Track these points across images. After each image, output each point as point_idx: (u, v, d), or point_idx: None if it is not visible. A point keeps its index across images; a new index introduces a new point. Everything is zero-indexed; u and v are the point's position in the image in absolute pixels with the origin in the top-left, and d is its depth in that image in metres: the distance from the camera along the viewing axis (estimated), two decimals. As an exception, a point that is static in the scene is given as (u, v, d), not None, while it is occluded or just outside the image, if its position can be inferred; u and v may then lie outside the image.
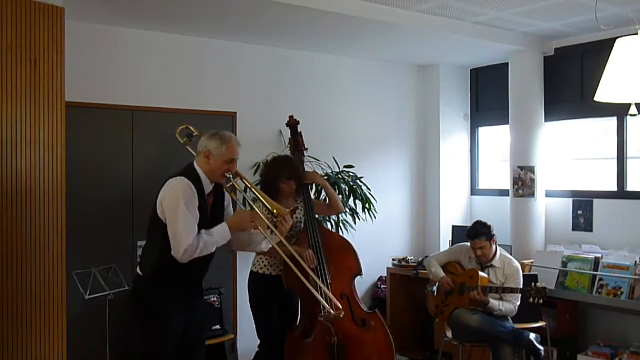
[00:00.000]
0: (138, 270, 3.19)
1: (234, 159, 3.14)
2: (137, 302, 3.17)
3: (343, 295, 4.13)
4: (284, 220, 3.15)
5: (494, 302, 4.35)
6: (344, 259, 4.23)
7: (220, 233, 3.06)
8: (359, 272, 4.29)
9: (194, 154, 3.22)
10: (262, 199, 3.21)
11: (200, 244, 2.97)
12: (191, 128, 3.53)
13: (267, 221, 3.14)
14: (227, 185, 3.21)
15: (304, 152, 4.46)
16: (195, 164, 3.14)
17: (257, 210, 3.14)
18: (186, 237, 2.93)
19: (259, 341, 4.24)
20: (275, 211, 3.15)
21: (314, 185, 4.42)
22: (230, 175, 3.15)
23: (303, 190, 4.25)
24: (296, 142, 4.43)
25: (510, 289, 4.36)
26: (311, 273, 3.55)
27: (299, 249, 4.04)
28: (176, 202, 2.96)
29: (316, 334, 4.03)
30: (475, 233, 4.48)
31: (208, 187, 3.14)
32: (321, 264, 4.09)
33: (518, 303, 4.43)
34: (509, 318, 4.45)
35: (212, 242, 3.03)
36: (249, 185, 3.28)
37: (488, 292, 4.35)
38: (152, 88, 4.88)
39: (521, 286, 4.42)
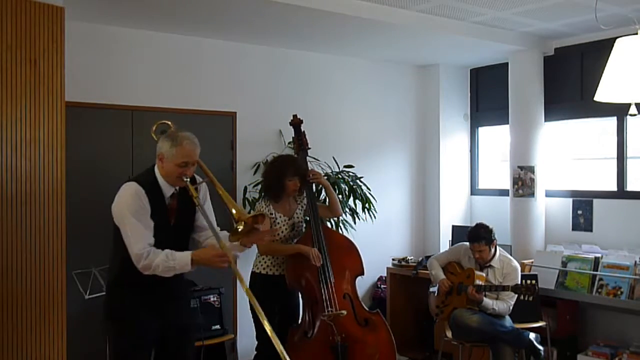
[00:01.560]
0: (107, 274, 3.13)
1: (188, 162, 2.91)
2: (105, 307, 3.07)
3: (346, 295, 4.14)
4: (252, 228, 2.86)
5: (487, 301, 4.36)
6: (347, 258, 4.24)
7: (182, 263, 2.83)
8: (362, 272, 4.29)
9: None
10: (226, 201, 2.95)
11: (154, 265, 2.79)
12: (168, 123, 3.27)
13: (222, 241, 2.86)
14: (194, 187, 2.97)
15: (308, 151, 4.46)
16: (155, 166, 3.00)
17: (225, 247, 2.83)
18: (134, 247, 2.80)
19: (256, 343, 4.22)
20: (235, 215, 2.87)
21: (314, 185, 4.42)
22: (188, 180, 2.92)
23: (307, 189, 4.24)
24: (300, 141, 4.43)
25: (503, 287, 4.37)
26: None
27: (306, 247, 4.04)
28: (121, 210, 2.86)
29: (318, 333, 4.03)
30: (477, 237, 4.48)
31: (169, 190, 2.98)
32: (325, 263, 4.09)
33: (513, 302, 4.43)
34: (508, 318, 4.45)
35: (169, 267, 2.82)
36: (216, 183, 3.05)
37: (482, 290, 4.35)
38: (152, 88, 4.88)
39: (518, 286, 4.43)
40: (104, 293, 4.13)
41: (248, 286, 4.21)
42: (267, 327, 2.68)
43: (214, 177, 3.09)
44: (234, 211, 2.88)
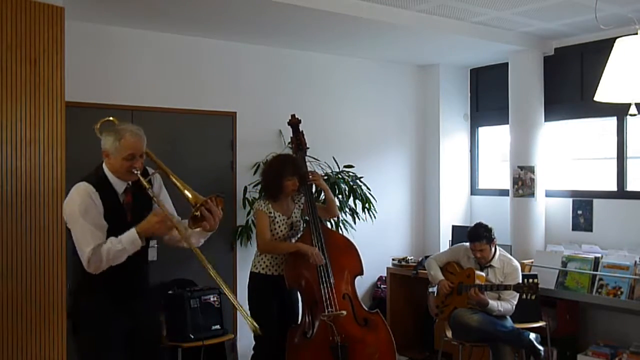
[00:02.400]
0: (69, 281, 3.01)
1: (134, 154, 2.82)
2: (72, 314, 2.97)
3: (345, 295, 4.14)
4: (208, 211, 2.77)
5: (493, 303, 4.35)
6: (346, 258, 4.23)
7: (129, 240, 2.75)
8: (361, 272, 4.29)
9: None
10: (181, 187, 2.85)
11: (104, 255, 2.72)
12: (112, 119, 3.13)
13: (179, 225, 2.81)
14: (145, 182, 2.87)
15: (306, 150, 4.46)
16: (104, 163, 2.90)
17: (165, 211, 2.79)
18: (84, 250, 2.72)
19: (254, 342, 4.23)
20: (192, 200, 2.78)
21: (313, 187, 4.42)
22: (138, 172, 2.83)
23: (306, 189, 4.25)
24: (298, 140, 4.43)
25: (505, 286, 4.36)
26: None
27: (306, 246, 4.04)
28: (71, 211, 2.77)
29: (318, 333, 4.03)
30: (477, 236, 4.47)
31: (121, 186, 2.89)
32: (325, 263, 4.09)
33: (515, 302, 4.43)
34: (508, 318, 4.45)
35: (120, 250, 2.74)
36: (169, 174, 2.94)
37: (484, 290, 4.35)
38: (152, 88, 4.88)
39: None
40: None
41: (247, 286, 4.26)
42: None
43: (165, 165, 3.02)
44: (189, 196, 2.80)
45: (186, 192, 2.82)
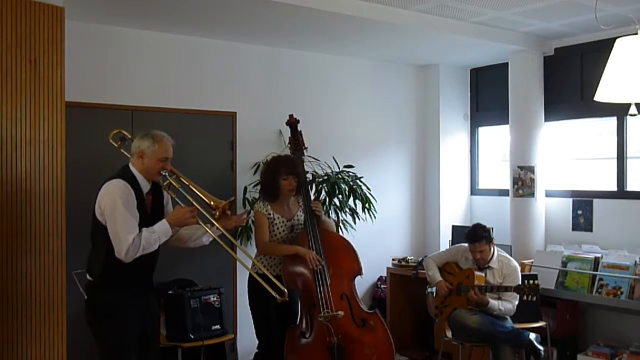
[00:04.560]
0: (87, 276, 3.21)
1: (168, 157, 3.19)
2: (93, 306, 3.19)
3: (343, 295, 4.13)
4: (223, 213, 3.22)
5: (493, 302, 4.34)
6: (343, 259, 4.22)
7: (162, 230, 3.09)
8: (359, 272, 4.28)
9: (130, 156, 3.25)
10: (198, 192, 3.25)
11: (143, 242, 3.01)
12: (124, 132, 3.47)
13: (207, 215, 3.22)
14: (165, 184, 3.23)
15: (304, 151, 4.46)
16: (130, 165, 3.19)
17: (196, 205, 3.19)
18: (126, 237, 2.97)
19: (257, 342, 4.23)
20: (212, 203, 3.22)
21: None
22: (167, 174, 3.19)
23: (303, 191, 4.24)
24: (296, 141, 4.43)
25: (505, 288, 4.36)
26: None
27: (304, 249, 4.03)
28: (113, 203, 3.01)
29: (316, 334, 4.03)
30: (477, 237, 4.46)
31: (146, 186, 3.19)
32: (322, 265, 4.08)
33: (517, 302, 4.42)
34: (508, 318, 4.45)
35: (154, 239, 3.06)
36: (186, 182, 3.28)
37: (484, 291, 4.34)
38: (152, 88, 4.88)
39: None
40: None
41: (247, 286, 4.25)
42: None
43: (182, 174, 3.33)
44: (210, 202, 3.23)
45: (206, 197, 3.24)
